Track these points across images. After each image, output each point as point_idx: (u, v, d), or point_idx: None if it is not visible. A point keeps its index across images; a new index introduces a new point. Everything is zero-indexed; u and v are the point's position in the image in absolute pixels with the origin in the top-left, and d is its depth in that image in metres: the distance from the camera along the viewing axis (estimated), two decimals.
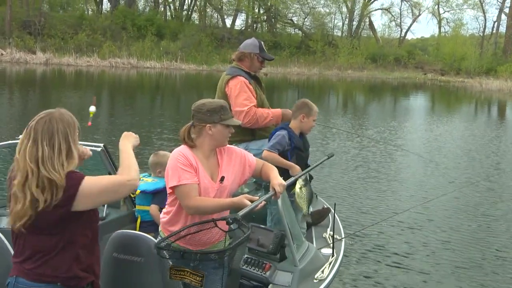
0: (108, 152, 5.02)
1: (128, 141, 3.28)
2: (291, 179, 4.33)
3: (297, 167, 4.93)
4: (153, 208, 5.15)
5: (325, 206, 5.86)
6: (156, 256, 3.29)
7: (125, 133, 3.38)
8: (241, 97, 5.46)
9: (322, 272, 4.25)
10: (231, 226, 3.43)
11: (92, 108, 4.93)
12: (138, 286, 3.48)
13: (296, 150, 5.09)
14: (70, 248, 2.88)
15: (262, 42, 5.85)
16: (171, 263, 3.32)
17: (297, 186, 4.63)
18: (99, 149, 4.86)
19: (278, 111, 5.71)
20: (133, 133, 3.40)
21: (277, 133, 5.10)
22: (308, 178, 4.72)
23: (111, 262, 3.48)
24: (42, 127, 2.83)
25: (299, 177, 4.50)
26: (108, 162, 4.99)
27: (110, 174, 5.04)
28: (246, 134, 5.57)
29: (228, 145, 3.90)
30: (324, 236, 5.26)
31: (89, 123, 4.75)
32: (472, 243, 7.86)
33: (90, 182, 2.82)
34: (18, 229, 2.81)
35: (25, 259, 2.89)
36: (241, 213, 3.39)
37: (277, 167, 4.07)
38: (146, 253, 3.37)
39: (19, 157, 2.82)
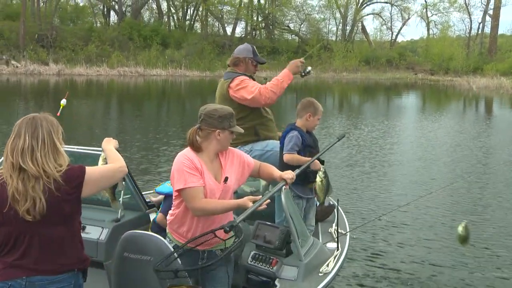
0: None
1: (109, 144, 3.54)
2: (301, 168, 4.37)
3: (317, 162, 4.88)
4: (160, 216, 5.09)
5: (331, 203, 5.79)
6: (164, 254, 3.27)
7: (106, 138, 3.66)
8: (247, 88, 5.34)
9: (327, 265, 4.20)
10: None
11: (63, 101, 5.16)
12: (148, 284, 3.41)
13: (308, 148, 5.03)
14: (77, 234, 3.05)
15: (254, 47, 5.77)
16: (169, 283, 3.23)
17: (318, 179, 4.66)
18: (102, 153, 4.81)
19: (284, 72, 5.50)
20: (113, 138, 3.67)
21: (290, 135, 5.01)
22: (325, 172, 4.71)
23: (122, 261, 3.43)
24: (26, 123, 2.93)
25: (308, 164, 4.62)
26: None
27: (124, 179, 5.00)
28: (250, 134, 5.49)
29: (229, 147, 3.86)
30: (329, 231, 5.22)
31: (58, 114, 4.85)
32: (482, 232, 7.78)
33: (92, 171, 3.03)
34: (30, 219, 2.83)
35: (40, 256, 2.90)
36: (238, 219, 3.35)
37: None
38: (155, 252, 3.32)
39: (4, 154, 2.93)
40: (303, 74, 5.63)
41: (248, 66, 5.63)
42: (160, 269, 3.13)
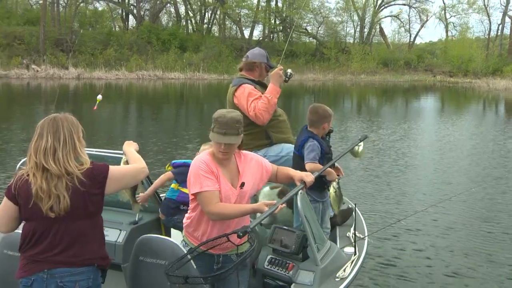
0: None
1: (130, 147, 3.64)
2: (320, 171, 4.42)
3: (333, 172, 4.91)
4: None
5: (350, 206, 5.75)
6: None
7: (126, 141, 3.74)
8: (247, 102, 5.36)
9: (344, 270, 4.16)
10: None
11: (99, 96, 5.21)
12: None
13: (326, 156, 5.03)
14: (99, 230, 3.17)
15: (266, 51, 5.82)
16: (178, 286, 3.21)
17: (332, 190, 4.65)
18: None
19: (270, 87, 5.47)
20: (133, 142, 3.74)
21: (310, 144, 4.96)
22: (338, 183, 4.71)
23: (137, 265, 3.44)
24: (47, 124, 3.07)
25: (328, 166, 4.68)
26: None
27: (142, 182, 5.02)
28: (262, 138, 5.49)
29: (247, 152, 3.85)
30: (347, 235, 5.17)
31: (95, 107, 4.92)
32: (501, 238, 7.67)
33: (115, 169, 3.17)
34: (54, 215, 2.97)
35: (63, 249, 3.03)
36: (252, 224, 3.34)
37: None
38: (170, 256, 3.31)
39: (27, 154, 3.07)
40: (286, 79, 5.63)
41: (262, 71, 5.66)
42: (170, 273, 3.12)
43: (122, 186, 3.30)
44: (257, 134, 5.48)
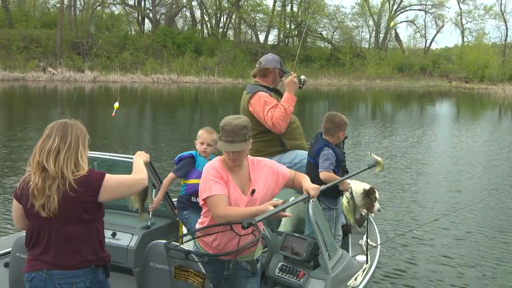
0: (153, 165, 5.00)
1: (139, 157, 3.68)
2: (327, 186, 4.26)
3: (347, 183, 4.92)
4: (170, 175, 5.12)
5: (362, 214, 5.72)
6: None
7: (138, 152, 3.81)
8: (264, 111, 5.37)
9: (355, 279, 4.14)
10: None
11: (116, 104, 5.26)
12: None
13: (341, 164, 5.03)
14: (95, 234, 3.23)
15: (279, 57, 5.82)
16: (177, 261, 3.24)
17: (345, 200, 4.65)
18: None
19: (286, 96, 5.49)
20: (144, 152, 3.82)
21: (325, 153, 4.97)
22: (351, 193, 4.71)
23: (147, 271, 3.44)
24: (57, 126, 3.20)
25: (336, 183, 4.52)
26: (152, 174, 4.93)
27: (154, 186, 5.05)
28: (276, 145, 5.49)
29: (261, 158, 3.83)
30: (360, 243, 5.14)
31: (113, 114, 4.96)
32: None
33: (111, 178, 3.21)
34: (45, 217, 3.09)
35: (57, 252, 3.14)
36: (258, 218, 3.32)
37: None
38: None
39: (31, 155, 3.18)
40: (300, 85, 5.65)
41: (276, 76, 5.66)
42: (171, 247, 3.14)
43: (118, 195, 3.33)
44: (271, 141, 5.49)
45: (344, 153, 5.30)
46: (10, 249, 3.98)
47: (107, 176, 3.20)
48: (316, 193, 3.67)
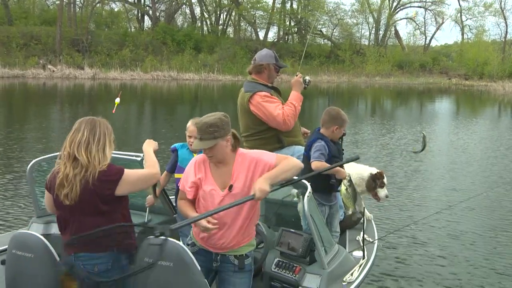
0: (166, 194, 5.01)
1: (149, 146, 3.87)
2: (276, 188, 3.82)
3: (343, 170, 4.88)
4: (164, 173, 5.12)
5: (361, 211, 5.73)
6: (185, 260, 3.29)
7: (147, 140, 3.98)
8: (270, 109, 5.38)
9: (352, 274, 4.14)
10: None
11: (117, 100, 5.27)
12: None
13: (333, 158, 4.98)
14: (117, 222, 3.40)
15: (275, 52, 5.79)
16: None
17: (343, 187, 4.64)
18: (139, 158, 4.83)
19: (294, 94, 5.62)
20: (153, 140, 3.99)
21: (316, 145, 4.96)
22: (350, 181, 4.70)
23: (142, 267, 3.44)
24: (86, 121, 3.47)
25: (291, 183, 4.06)
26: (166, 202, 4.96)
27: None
28: (273, 142, 5.50)
29: (250, 150, 3.82)
30: (357, 239, 5.15)
31: (113, 111, 5.00)
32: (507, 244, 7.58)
33: (130, 172, 3.44)
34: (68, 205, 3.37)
35: (81, 238, 3.39)
36: (173, 226, 3.43)
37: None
38: (175, 257, 3.32)
39: (62, 148, 3.45)
40: (305, 86, 5.80)
41: (271, 72, 5.64)
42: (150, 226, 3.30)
43: (134, 189, 3.52)
44: (269, 139, 5.51)
45: (343, 150, 5.29)
46: (6, 246, 3.98)
47: (126, 171, 3.43)
48: (260, 196, 3.45)
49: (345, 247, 4.79)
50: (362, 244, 4.63)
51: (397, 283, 6.19)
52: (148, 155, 3.78)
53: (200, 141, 3.55)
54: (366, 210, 5.69)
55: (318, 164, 4.84)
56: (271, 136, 5.48)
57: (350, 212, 5.55)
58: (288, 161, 3.63)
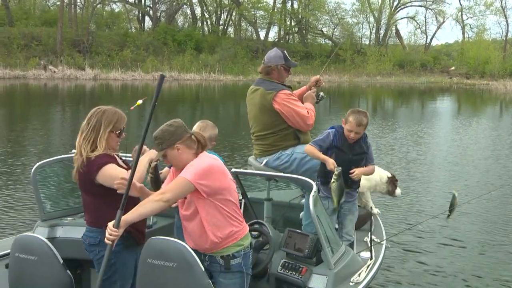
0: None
1: (147, 156, 3.86)
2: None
3: (331, 161, 4.72)
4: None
5: (369, 210, 5.67)
6: (188, 260, 3.27)
7: (151, 150, 3.95)
8: (298, 108, 5.40)
9: (359, 275, 4.09)
10: None
11: (140, 101, 5.30)
12: None
13: (335, 149, 4.90)
14: (107, 206, 3.62)
15: (285, 51, 5.71)
16: None
17: (332, 180, 4.54)
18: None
19: (308, 105, 5.65)
20: (153, 151, 3.91)
21: (325, 131, 4.98)
22: (339, 174, 4.58)
23: (146, 268, 3.40)
24: (92, 112, 3.83)
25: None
26: None
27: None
28: (291, 139, 5.47)
29: (205, 155, 3.71)
30: (365, 240, 5.09)
31: (132, 108, 5.02)
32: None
33: (109, 168, 3.68)
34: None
35: (85, 212, 3.89)
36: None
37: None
38: (178, 258, 3.27)
39: None
40: (318, 100, 5.89)
41: (281, 72, 5.57)
42: None
43: (109, 184, 3.65)
44: (286, 136, 5.47)
45: (360, 150, 5.03)
46: (10, 250, 3.95)
47: (107, 166, 3.68)
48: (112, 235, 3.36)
49: (352, 248, 4.74)
50: (370, 245, 4.58)
51: (407, 283, 6.13)
52: (140, 162, 3.69)
53: (157, 152, 3.71)
54: (373, 206, 5.65)
55: (307, 147, 4.93)
56: (288, 134, 5.47)
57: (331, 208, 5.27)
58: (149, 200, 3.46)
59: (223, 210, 3.55)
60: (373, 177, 6.01)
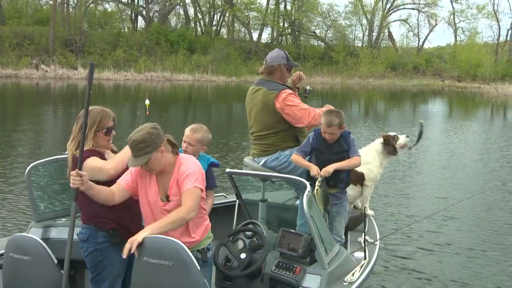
0: None
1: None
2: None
3: (315, 168, 4.75)
4: None
5: (362, 212, 5.69)
6: (184, 259, 3.27)
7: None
8: (298, 103, 5.40)
9: (353, 275, 4.11)
10: None
11: (147, 101, 5.31)
12: None
13: (314, 151, 4.94)
14: (94, 202, 3.66)
15: (286, 51, 5.74)
16: None
17: (316, 187, 4.54)
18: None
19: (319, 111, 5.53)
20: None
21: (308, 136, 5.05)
22: (322, 181, 4.59)
23: (141, 266, 3.40)
24: (79, 115, 3.92)
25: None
26: None
27: None
28: (291, 141, 5.47)
29: (182, 157, 3.74)
30: (358, 240, 5.11)
31: (147, 113, 5.04)
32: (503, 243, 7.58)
33: (90, 161, 3.79)
34: None
35: (80, 210, 3.95)
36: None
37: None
38: (174, 257, 3.28)
39: None
40: (306, 95, 5.93)
41: (283, 72, 5.59)
42: None
43: (92, 177, 3.66)
44: (286, 137, 5.47)
45: (338, 149, 5.11)
46: (3, 251, 3.94)
47: (88, 159, 3.78)
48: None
49: (346, 248, 4.76)
50: (363, 245, 4.61)
51: (400, 283, 6.16)
52: (120, 153, 3.93)
53: (135, 159, 3.53)
54: (368, 207, 5.67)
55: (293, 156, 5.02)
56: (289, 135, 5.47)
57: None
58: (177, 212, 3.51)
59: (201, 207, 3.68)
60: (371, 167, 6.04)
